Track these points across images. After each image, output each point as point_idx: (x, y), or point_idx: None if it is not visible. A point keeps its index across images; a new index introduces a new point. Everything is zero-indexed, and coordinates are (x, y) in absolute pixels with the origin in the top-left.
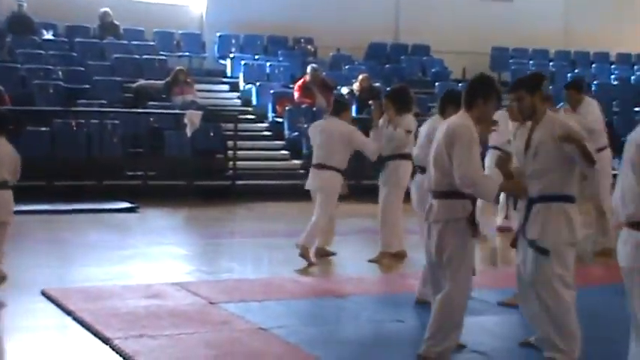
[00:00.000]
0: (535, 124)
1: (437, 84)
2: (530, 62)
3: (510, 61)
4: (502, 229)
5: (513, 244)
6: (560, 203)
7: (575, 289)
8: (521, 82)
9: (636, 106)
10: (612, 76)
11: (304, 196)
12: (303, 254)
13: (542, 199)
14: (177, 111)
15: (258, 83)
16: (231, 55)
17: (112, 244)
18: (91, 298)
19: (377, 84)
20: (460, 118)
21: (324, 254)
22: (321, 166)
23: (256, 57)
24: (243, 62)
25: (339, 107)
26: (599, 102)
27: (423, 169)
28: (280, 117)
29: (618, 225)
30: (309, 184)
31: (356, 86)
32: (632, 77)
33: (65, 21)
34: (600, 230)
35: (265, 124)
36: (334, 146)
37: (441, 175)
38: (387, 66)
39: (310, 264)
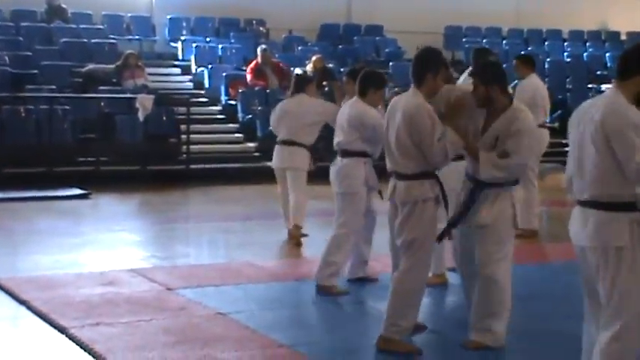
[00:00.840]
0: (495, 113)
1: (391, 64)
2: (484, 41)
3: (463, 39)
4: None
5: (444, 237)
6: (507, 187)
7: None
8: (477, 71)
9: (589, 83)
10: (565, 54)
11: (260, 178)
12: (295, 235)
13: (493, 185)
14: (128, 95)
15: (210, 66)
16: (183, 38)
17: (63, 231)
18: (44, 287)
19: (330, 65)
20: (413, 97)
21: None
22: (290, 143)
23: (208, 39)
24: (194, 45)
25: (303, 82)
26: (553, 79)
27: (346, 153)
28: (233, 100)
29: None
30: (275, 162)
31: (309, 68)
32: (585, 54)
33: (10, 5)
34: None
35: (218, 108)
36: (304, 124)
37: (406, 158)
38: (340, 47)
39: (300, 239)
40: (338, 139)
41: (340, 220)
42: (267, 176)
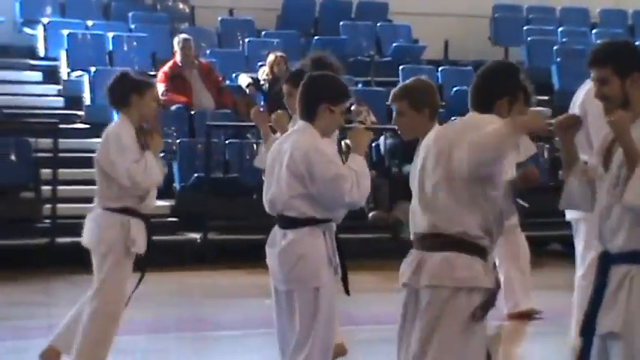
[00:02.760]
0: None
1: (401, 67)
2: (559, 30)
3: (525, 28)
4: None
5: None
6: None
7: None
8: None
9: None
10: None
11: (179, 257)
12: None
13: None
14: None
15: (93, 69)
16: (45, 21)
17: None
18: None
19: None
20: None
21: None
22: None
23: (90, 24)
24: (66, 32)
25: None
26: None
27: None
28: None
29: None
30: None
31: (263, 73)
32: None
33: None
34: None
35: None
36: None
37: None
38: (317, 38)
39: None
40: (270, 196)
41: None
42: (189, 255)
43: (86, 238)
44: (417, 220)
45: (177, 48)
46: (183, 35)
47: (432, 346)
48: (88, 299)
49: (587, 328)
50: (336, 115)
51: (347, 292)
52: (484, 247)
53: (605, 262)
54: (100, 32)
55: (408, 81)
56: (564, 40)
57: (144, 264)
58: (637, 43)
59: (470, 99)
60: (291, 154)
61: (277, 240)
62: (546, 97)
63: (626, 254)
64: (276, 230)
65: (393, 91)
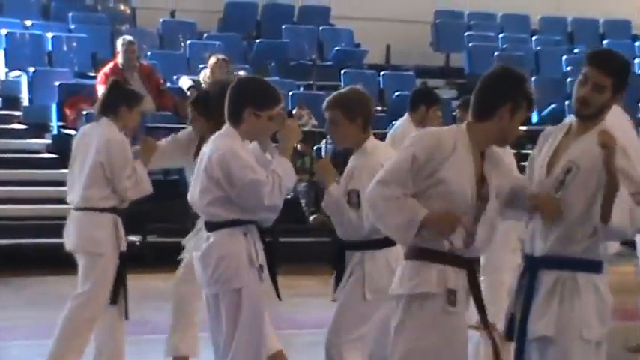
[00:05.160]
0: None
1: (343, 72)
2: (500, 36)
3: (466, 34)
4: None
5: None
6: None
7: None
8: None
9: None
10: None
11: None
12: None
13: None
14: None
15: (32, 69)
16: None
17: None
18: None
19: (241, 72)
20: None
21: None
22: None
23: (28, 24)
24: (4, 32)
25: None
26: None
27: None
28: (73, 129)
29: None
30: None
31: (205, 75)
32: None
33: None
34: None
35: (45, 142)
36: None
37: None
38: (259, 41)
39: None
40: (190, 199)
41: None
42: (127, 258)
43: (74, 240)
44: None
45: (120, 50)
46: (128, 37)
47: (397, 354)
48: (73, 298)
49: (520, 332)
50: (262, 120)
51: (278, 296)
52: (445, 252)
53: (533, 265)
54: (39, 32)
55: (343, 89)
56: (505, 46)
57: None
58: (576, 50)
59: (471, 105)
60: (209, 158)
61: (202, 243)
62: None
63: (556, 259)
64: (203, 234)
65: (327, 99)
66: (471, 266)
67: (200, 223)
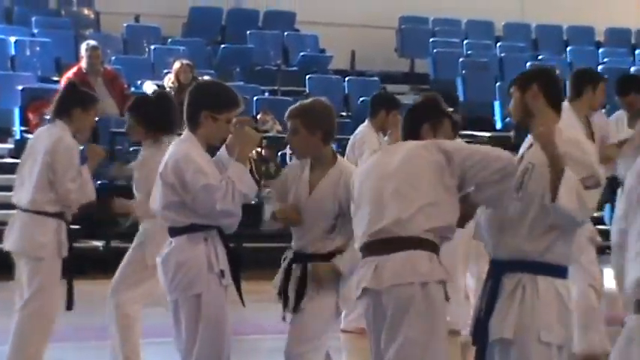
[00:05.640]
0: None
1: (308, 77)
2: (465, 42)
3: (431, 40)
4: None
5: None
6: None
7: None
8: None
9: None
10: (600, 64)
11: (77, 265)
12: None
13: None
14: None
15: None
16: None
17: None
18: None
19: (206, 77)
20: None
21: None
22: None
23: None
24: None
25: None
26: None
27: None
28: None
29: None
30: None
31: (169, 81)
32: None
33: None
34: None
35: (8, 146)
36: None
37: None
38: (224, 46)
39: None
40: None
41: None
42: (91, 264)
43: (16, 242)
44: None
45: (84, 54)
46: (92, 42)
47: (396, 343)
48: (22, 309)
49: (481, 334)
50: (220, 123)
51: (242, 302)
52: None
53: (498, 269)
54: (2, 36)
55: (307, 100)
56: (469, 52)
57: (71, 270)
58: (540, 57)
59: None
60: (165, 163)
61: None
62: (451, 109)
63: (519, 263)
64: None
65: (290, 108)
66: None
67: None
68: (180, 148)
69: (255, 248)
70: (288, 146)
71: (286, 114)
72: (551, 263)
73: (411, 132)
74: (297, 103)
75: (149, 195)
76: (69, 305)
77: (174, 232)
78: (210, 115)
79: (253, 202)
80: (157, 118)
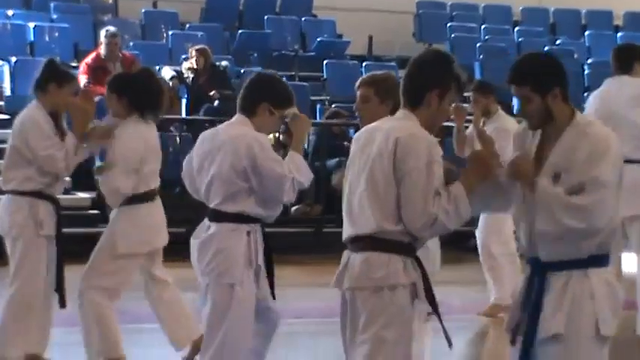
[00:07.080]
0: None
1: (325, 62)
2: (482, 27)
3: (449, 25)
4: None
5: None
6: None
7: None
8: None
9: None
10: None
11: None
12: None
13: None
14: None
15: (14, 59)
16: None
17: None
18: None
19: (224, 62)
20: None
21: None
22: None
23: (10, 13)
24: None
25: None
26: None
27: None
28: None
29: None
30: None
31: (188, 66)
32: None
33: None
34: None
35: None
36: None
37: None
38: (241, 32)
39: None
40: (205, 187)
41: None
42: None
43: None
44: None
45: (102, 41)
46: (111, 29)
47: (363, 346)
48: (9, 285)
49: (528, 334)
50: (274, 117)
51: (273, 296)
52: (406, 243)
53: (543, 267)
54: (20, 22)
55: (377, 72)
56: (487, 37)
57: (61, 253)
58: (558, 41)
59: (401, 91)
60: (235, 149)
61: (201, 232)
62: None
63: (567, 261)
64: (205, 222)
65: (362, 77)
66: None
67: None
68: (244, 131)
69: (269, 233)
70: (357, 114)
71: (357, 83)
72: (598, 254)
73: (414, 98)
74: (369, 74)
75: (126, 172)
76: (62, 303)
77: (218, 216)
78: (269, 108)
79: None
80: (146, 97)
